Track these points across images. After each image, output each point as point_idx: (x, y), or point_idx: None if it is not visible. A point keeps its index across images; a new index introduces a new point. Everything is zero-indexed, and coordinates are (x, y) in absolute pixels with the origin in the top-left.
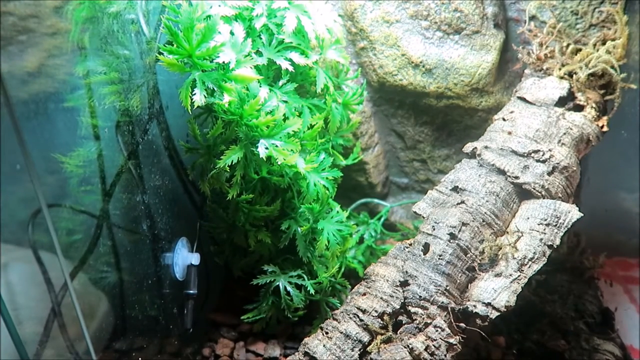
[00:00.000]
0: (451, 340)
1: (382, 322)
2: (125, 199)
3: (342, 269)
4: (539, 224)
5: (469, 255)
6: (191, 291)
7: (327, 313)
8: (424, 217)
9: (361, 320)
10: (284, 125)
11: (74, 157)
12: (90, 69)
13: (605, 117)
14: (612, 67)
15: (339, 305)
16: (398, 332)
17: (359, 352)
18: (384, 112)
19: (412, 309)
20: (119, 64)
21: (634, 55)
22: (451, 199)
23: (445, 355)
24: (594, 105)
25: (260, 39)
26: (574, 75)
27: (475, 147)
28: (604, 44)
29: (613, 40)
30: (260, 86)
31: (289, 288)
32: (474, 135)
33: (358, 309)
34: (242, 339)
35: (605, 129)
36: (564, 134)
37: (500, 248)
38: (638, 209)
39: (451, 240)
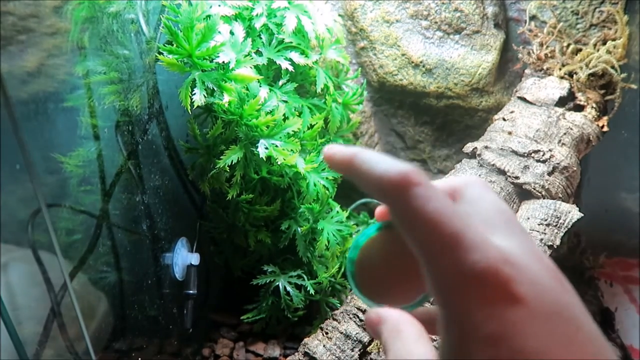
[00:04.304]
0: None
1: None
2: (125, 199)
3: (342, 269)
4: (539, 224)
5: None
6: (191, 291)
7: (327, 313)
8: None
9: (361, 320)
10: (284, 125)
11: (74, 157)
12: (90, 69)
13: (605, 117)
14: (613, 67)
15: (339, 305)
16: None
17: (359, 353)
18: (384, 112)
19: None
20: (118, 63)
21: (634, 55)
22: None
23: None
24: (594, 105)
25: (260, 38)
26: (575, 75)
27: (476, 147)
28: (604, 44)
29: (613, 40)
30: (260, 86)
31: (288, 288)
32: (474, 135)
33: (358, 309)
34: (242, 339)
35: (605, 129)
36: (564, 134)
37: None
38: (638, 209)
39: None
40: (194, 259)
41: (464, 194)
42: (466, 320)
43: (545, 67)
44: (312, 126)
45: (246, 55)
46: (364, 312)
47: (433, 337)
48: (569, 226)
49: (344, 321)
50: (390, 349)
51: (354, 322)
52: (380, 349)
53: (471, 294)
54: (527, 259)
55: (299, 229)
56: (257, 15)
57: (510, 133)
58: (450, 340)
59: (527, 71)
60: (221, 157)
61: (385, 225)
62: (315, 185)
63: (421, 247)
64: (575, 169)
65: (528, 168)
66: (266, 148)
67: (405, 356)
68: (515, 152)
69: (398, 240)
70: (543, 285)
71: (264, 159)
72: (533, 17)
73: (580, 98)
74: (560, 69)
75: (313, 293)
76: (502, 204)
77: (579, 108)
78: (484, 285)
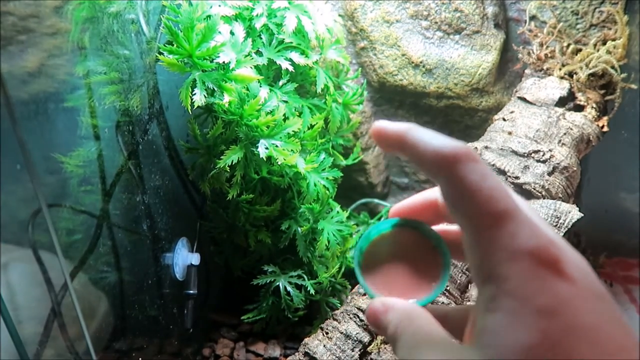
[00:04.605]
0: None
1: None
2: (125, 199)
3: (342, 269)
4: None
5: None
6: (191, 291)
7: (327, 313)
8: None
9: (361, 320)
10: (284, 125)
11: (74, 157)
12: (91, 69)
13: (605, 117)
14: (613, 67)
15: (339, 305)
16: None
17: (359, 353)
18: (385, 112)
19: None
20: (119, 63)
21: (634, 55)
22: None
23: None
24: (594, 105)
25: (261, 38)
26: (575, 76)
27: (476, 147)
28: (604, 44)
29: (613, 40)
30: (260, 86)
31: (289, 288)
32: (474, 136)
33: (358, 309)
34: (242, 339)
35: (605, 129)
36: (564, 134)
37: None
38: (638, 209)
39: None
40: (194, 259)
41: None
42: (519, 292)
43: (545, 67)
44: (312, 126)
45: (246, 56)
46: (364, 312)
47: None
48: (569, 226)
49: (344, 321)
50: (403, 336)
51: (354, 322)
52: (381, 349)
53: (524, 267)
54: (566, 247)
55: (299, 229)
56: (257, 15)
57: (510, 133)
58: (498, 316)
59: (527, 71)
60: (221, 157)
61: (400, 224)
62: (315, 185)
63: (474, 219)
64: (575, 169)
65: (528, 168)
66: (266, 148)
67: (424, 339)
68: (515, 152)
69: (411, 239)
70: (585, 270)
71: (264, 159)
72: (533, 17)
73: (580, 98)
74: (560, 69)
75: (313, 293)
76: (531, 207)
77: (579, 108)
78: (536, 260)
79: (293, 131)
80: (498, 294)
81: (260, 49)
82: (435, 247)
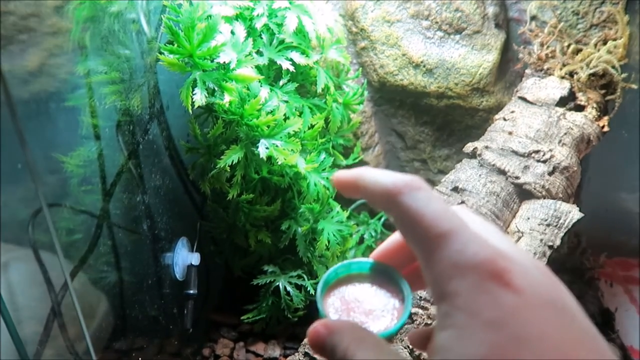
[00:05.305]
0: None
1: None
2: (125, 199)
3: None
4: (539, 224)
5: None
6: (191, 291)
7: None
8: None
9: None
10: (285, 125)
11: (75, 157)
12: (91, 69)
13: (606, 117)
14: (613, 67)
15: None
16: (398, 332)
17: None
18: (385, 112)
19: (412, 310)
20: (119, 63)
21: (634, 55)
22: (451, 199)
23: None
24: (594, 105)
25: (261, 38)
26: (575, 75)
27: (476, 147)
28: (605, 43)
29: (614, 40)
30: (261, 86)
31: (289, 288)
32: (474, 135)
33: None
34: (242, 339)
35: (606, 129)
36: (565, 134)
37: None
38: (638, 209)
39: None
40: (194, 259)
41: None
42: (468, 306)
43: (545, 67)
44: (312, 126)
45: (247, 55)
46: None
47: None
48: (570, 226)
49: None
50: (356, 357)
51: None
52: None
53: (471, 281)
54: (518, 257)
55: (299, 229)
56: (258, 15)
57: (510, 133)
58: (450, 332)
59: (527, 71)
60: (222, 157)
61: (375, 267)
62: (315, 185)
63: (423, 243)
64: (575, 169)
65: (528, 168)
66: (267, 148)
67: (380, 358)
68: (515, 152)
69: (382, 281)
70: (536, 278)
71: (265, 159)
72: (534, 17)
73: (581, 98)
74: (560, 69)
75: (313, 293)
76: (488, 221)
77: (580, 108)
78: (483, 273)
79: (293, 131)
80: (449, 310)
81: (260, 49)
82: (401, 291)
